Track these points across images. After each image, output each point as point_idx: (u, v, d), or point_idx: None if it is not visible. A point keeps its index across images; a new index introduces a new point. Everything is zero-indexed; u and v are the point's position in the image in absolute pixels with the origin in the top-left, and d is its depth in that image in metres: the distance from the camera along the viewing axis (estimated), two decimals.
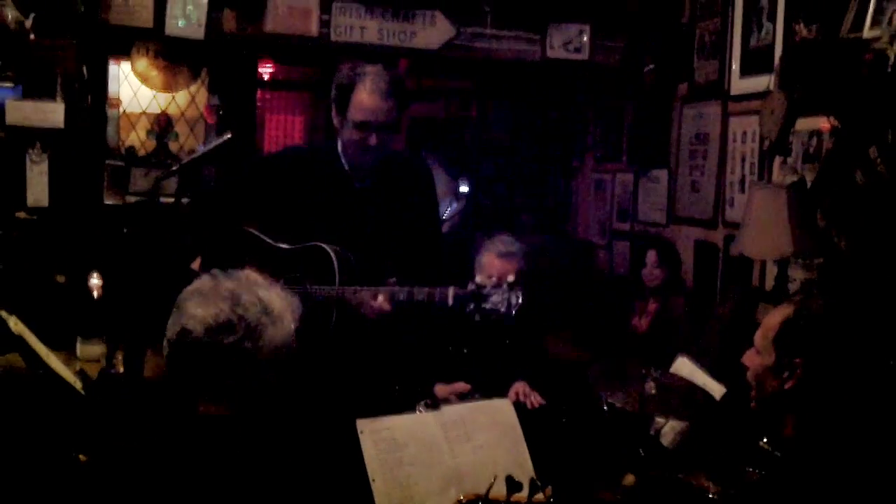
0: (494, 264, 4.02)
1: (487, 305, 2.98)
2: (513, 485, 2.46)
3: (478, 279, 3.05)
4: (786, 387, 2.33)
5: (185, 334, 1.90)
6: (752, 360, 2.44)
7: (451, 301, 3.02)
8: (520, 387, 3.94)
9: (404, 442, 2.69)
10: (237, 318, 1.91)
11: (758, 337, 2.43)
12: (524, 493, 2.45)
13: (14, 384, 3.15)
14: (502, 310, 2.96)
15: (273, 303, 1.97)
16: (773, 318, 2.40)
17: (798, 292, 4.02)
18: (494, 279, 3.05)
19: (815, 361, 2.31)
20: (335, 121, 3.30)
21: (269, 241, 3.27)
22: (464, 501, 2.48)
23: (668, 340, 5.15)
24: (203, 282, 1.98)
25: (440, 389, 3.91)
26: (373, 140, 3.22)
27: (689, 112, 5.80)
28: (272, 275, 3.01)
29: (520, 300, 2.97)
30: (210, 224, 3.49)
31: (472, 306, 3.00)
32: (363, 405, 2.92)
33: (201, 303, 1.92)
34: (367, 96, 3.19)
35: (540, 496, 2.43)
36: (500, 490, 2.49)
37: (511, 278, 3.02)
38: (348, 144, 3.29)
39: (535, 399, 3.87)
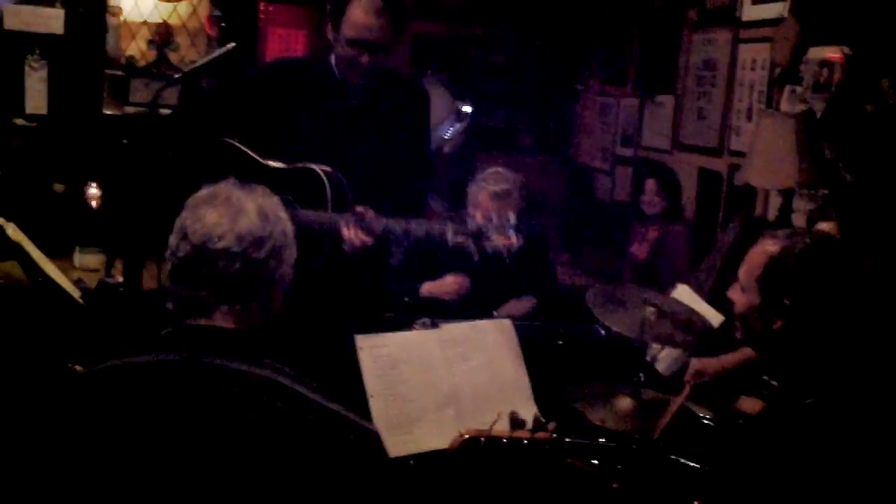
0: (488, 206, 3.86)
1: (488, 246, 2.92)
2: (516, 422, 2.46)
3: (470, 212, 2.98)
4: (774, 328, 2.28)
5: (212, 240, 1.80)
6: (738, 296, 2.38)
7: (450, 239, 2.96)
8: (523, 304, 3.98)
9: (402, 359, 2.68)
10: (267, 235, 1.84)
11: (742, 274, 2.36)
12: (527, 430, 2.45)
13: (11, 292, 3.13)
14: (503, 251, 2.91)
15: (287, 224, 1.92)
16: (757, 256, 2.33)
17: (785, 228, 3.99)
18: (494, 218, 2.98)
19: (803, 301, 2.25)
20: (329, 35, 3.22)
21: (257, 158, 3.19)
22: (466, 436, 2.48)
23: (668, 268, 5.14)
24: (224, 189, 1.89)
25: (427, 287, 3.92)
26: (364, 59, 3.13)
27: (698, 38, 5.71)
28: None
29: (521, 243, 2.92)
30: (199, 136, 3.42)
31: (471, 245, 2.95)
32: (356, 325, 2.90)
33: (229, 212, 1.83)
34: (361, 13, 3.09)
35: (543, 434, 2.43)
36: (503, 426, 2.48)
37: (512, 218, 2.95)
38: (340, 61, 3.22)
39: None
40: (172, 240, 1.85)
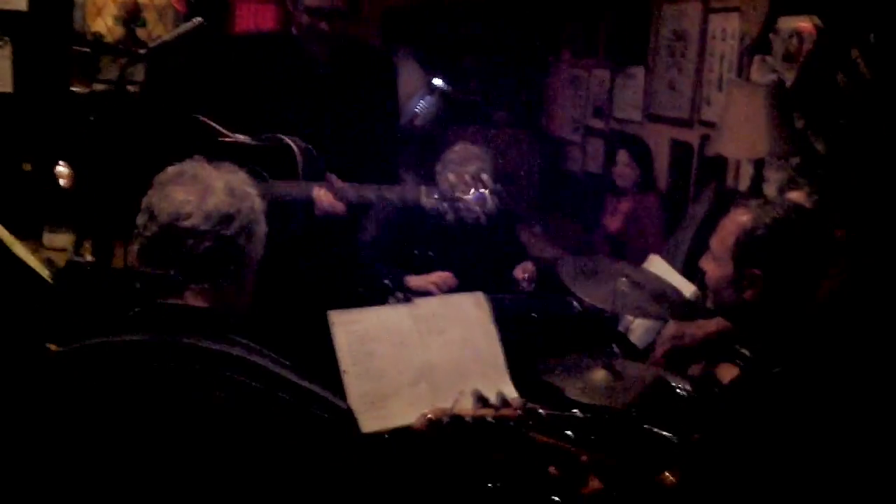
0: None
1: (461, 207, 2.92)
2: (481, 400, 2.47)
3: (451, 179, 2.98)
4: (745, 297, 2.28)
5: (180, 218, 1.79)
6: (710, 266, 2.38)
7: (424, 203, 2.96)
8: (529, 266, 3.96)
9: (376, 335, 2.67)
10: (235, 212, 1.83)
11: (715, 244, 2.36)
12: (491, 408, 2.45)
13: None
14: (477, 212, 2.92)
15: (255, 198, 1.91)
16: (730, 226, 2.32)
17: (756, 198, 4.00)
18: (468, 180, 2.98)
19: (773, 271, 2.24)
20: (290, 5, 3.20)
21: (226, 132, 3.17)
22: (431, 417, 2.48)
23: (641, 239, 5.16)
24: (191, 167, 1.88)
25: (414, 281, 3.88)
26: (324, 26, 3.12)
27: (668, 8, 5.71)
28: None
29: (495, 203, 2.93)
30: (166, 112, 3.40)
31: (445, 207, 2.95)
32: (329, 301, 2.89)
33: (196, 190, 1.82)
34: None
35: (509, 410, 2.43)
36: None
37: (485, 178, 2.96)
38: (301, 30, 3.20)
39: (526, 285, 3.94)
40: (140, 219, 1.83)
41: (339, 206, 3.02)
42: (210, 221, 1.80)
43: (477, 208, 2.90)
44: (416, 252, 4.02)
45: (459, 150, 4.03)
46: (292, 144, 3.08)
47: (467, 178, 3.74)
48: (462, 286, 3.77)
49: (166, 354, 1.75)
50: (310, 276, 3.19)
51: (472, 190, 2.92)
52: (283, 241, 2.23)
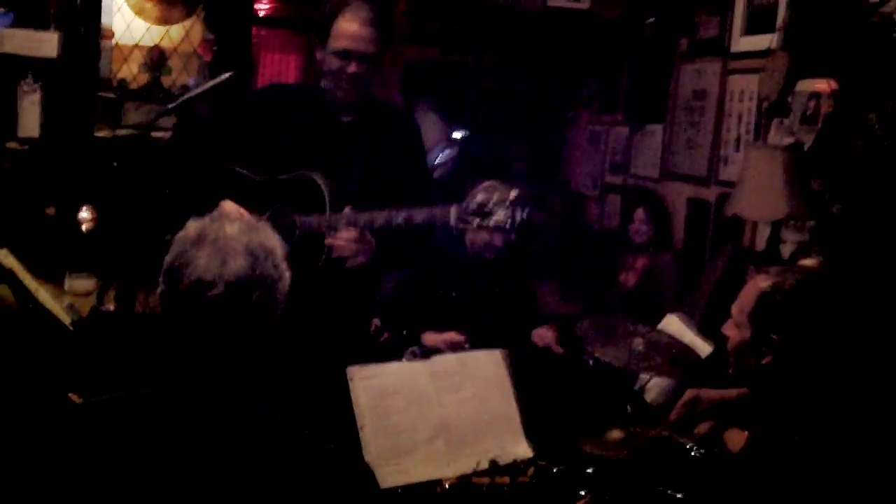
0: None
1: (491, 222, 2.92)
2: (496, 468, 2.49)
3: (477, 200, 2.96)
4: (763, 362, 2.32)
5: (203, 289, 1.79)
6: (731, 332, 2.42)
7: (453, 220, 2.94)
8: (546, 333, 3.99)
9: (394, 390, 2.69)
10: (258, 277, 1.82)
11: (735, 310, 2.40)
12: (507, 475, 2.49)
13: (2, 318, 3.13)
14: (506, 226, 2.91)
15: (277, 250, 1.91)
16: (749, 292, 2.37)
17: (775, 264, 4.02)
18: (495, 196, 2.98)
19: (792, 338, 2.28)
20: (318, 54, 3.24)
21: (252, 175, 3.19)
22: (447, 486, 2.50)
23: (656, 297, 5.16)
24: (211, 227, 1.86)
25: (429, 338, 3.90)
26: (351, 68, 3.14)
27: (688, 68, 5.76)
28: (257, 209, 2.98)
29: (524, 216, 2.92)
30: (194, 160, 3.42)
31: (476, 222, 2.93)
32: (349, 351, 2.90)
33: (217, 254, 1.81)
34: (347, 24, 3.11)
35: (524, 477, 2.46)
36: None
37: (514, 194, 2.95)
38: (328, 75, 3.22)
39: (556, 349, 3.96)
40: (162, 282, 1.84)
41: (353, 235, 3.01)
42: (232, 292, 1.81)
43: (505, 224, 2.88)
44: (440, 293, 4.06)
45: (489, 183, 4.08)
46: (319, 180, 3.09)
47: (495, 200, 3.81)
48: (477, 334, 3.79)
49: (185, 407, 1.77)
50: (325, 324, 3.19)
51: (502, 204, 2.91)
52: (305, 280, 2.21)
